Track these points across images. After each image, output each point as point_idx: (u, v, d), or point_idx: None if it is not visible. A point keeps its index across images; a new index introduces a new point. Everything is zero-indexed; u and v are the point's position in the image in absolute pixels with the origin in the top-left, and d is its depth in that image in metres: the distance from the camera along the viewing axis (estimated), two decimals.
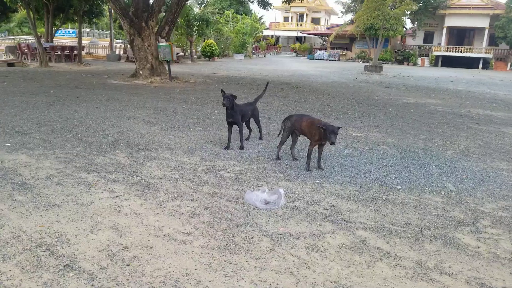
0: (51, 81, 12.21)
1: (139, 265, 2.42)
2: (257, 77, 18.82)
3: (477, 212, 3.58)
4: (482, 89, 17.62)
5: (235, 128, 5.34)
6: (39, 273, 2.28)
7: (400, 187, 4.14)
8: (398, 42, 49.54)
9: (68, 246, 2.59)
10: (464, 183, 4.40)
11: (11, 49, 21.70)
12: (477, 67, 39.79)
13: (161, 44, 13.67)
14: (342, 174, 4.46)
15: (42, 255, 2.46)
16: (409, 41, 49.51)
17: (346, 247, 2.78)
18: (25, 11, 18.59)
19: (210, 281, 2.28)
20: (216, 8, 47.29)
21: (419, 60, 44.08)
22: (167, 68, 14.05)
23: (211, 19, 30.44)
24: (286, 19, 67.97)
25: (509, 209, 3.70)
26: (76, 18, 21.52)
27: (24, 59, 19.88)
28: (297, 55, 56.24)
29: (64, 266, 2.36)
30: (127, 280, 2.25)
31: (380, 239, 2.94)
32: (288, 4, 21.51)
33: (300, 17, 66.31)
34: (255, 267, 2.46)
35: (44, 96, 9.02)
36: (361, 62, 42.76)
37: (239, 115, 5.21)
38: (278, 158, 4.95)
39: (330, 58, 48.37)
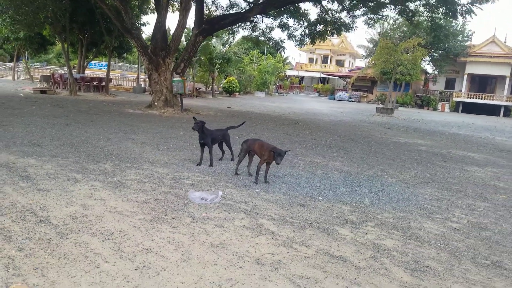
0: (74, 107, 13.86)
1: (90, 224, 3.54)
2: (267, 113, 20.11)
3: (370, 218, 4.54)
4: (483, 135, 18.20)
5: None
6: (23, 223, 3.44)
7: (321, 198, 5.14)
8: (421, 87, 50.42)
9: (47, 212, 3.75)
10: (380, 200, 5.35)
11: (45, 78, 24.01)
12: (499, 115, 39.85)
13: (175, 79, 15.25)
14: (281, 187, 5.50)
15: (27, 215, 3.63)
16: (431, 86, 50.29)
17: (244, 227, 3.83)
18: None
19: (133, 235, 3.38)
20: (242, 48, 49.78)
21: (439, 105, 44.48)
22: (179, 101, 15.56)
23: (233, 58, 32.40)
24: (311, 60, 70.18)
25: (399, 218, 4.64)
26: (107, 52, 23.77)
27: (56, 87, 21.99)
28: (319, 95, 57.82)
29: (40, 221, 3.52)
30: (78, 230, 3.38)
31: (274, 225, 3.97)
32: (300, 47, 23.08)
33: (325, 59, 68.45)
34: (169, 231, 3.54)
35: (63, 119, 10.53)
36: (381, 104, 43.64)
37: (209, 138, 6.39)
38: (236, 173, 6.04)
39: (350, 99, 49.61)
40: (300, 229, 3.92)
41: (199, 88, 30.45)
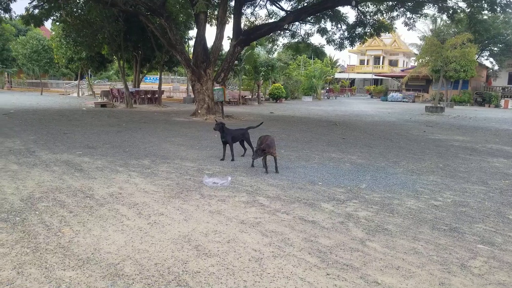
0: (127, 117, 15.55)
1: (122, 199, 4.65)
2: (308, 117, 20.78)
3: (357, 197, 5.25)
4: None
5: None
6: (74, 198, 4.61)
7: (321, 183, 5.91)
8: (483, 83, 48.20)
9: (92, 191, 4.92)
10: (377, 185, 6.00)
11: (105, 93, 26.53)
12: None
13: (215, 88, 16.51)
14: (288, 176, 6.33)
15: (78, 193, 4.82)
16: (493, 82, 47.93)
17: (241, 202, 4.74)
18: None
19: (152, 205, 4.42)
20: (289, 55, 50.66)
21: (502, 102, 42.23)
22: (221, 108, 16.79)
23: (277, 64, 33.37)
24: (362, 61, 69.32)
25: (385, 198, 5.29)
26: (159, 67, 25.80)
27: (115, 101, 24.23)
28: (372, 97, 57.03)
29: (86, 196, 4.68)
30: (113, 202, 4.49)
31: (268, 201, 4.83)
32: (340, 51, 23.59)
33: (377, 59, 67.27)
34: (180, 203, 4.55)
35: (116, 127, 12.07)
36: (439, 103, 42.23)
37: (230, 136, 7.39)
38: (252, 165, 6.95)
39: (404, 100, 48.49)
40: (289, 204, 4.76)
41: (245, 96, 31.70)
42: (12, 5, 17.80)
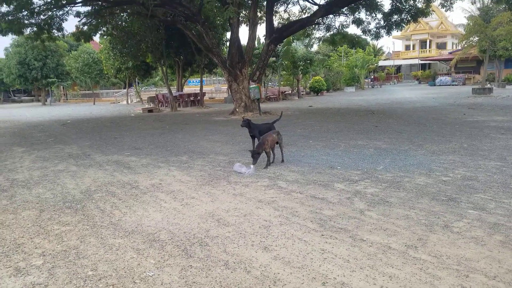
0: (171, 120, 16.72)
1: (161, 187, 5.49)
2: (346, 107, 21.00)
3: (371, 177, 5.75)
4: None
5: None
6: (123, 189, 5.52)
7: (339, 167, 6.45)
8: None
9: (137, 184, 5.82)
10: (394, 166, 6.44)
11: (151, 99, 28.23)
12: None
13: (251, 86, 17.28)
14: (310, 163, 6.92)
15: (126, 185, 5.73)
16: None
17: (262, 186, 5.42)
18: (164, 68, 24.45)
19: (185, 191, 5.22)
20: (329, 46, 50.32)
21: None
22: (258, 105, 17.53)
23: (315, 57, 33.59)
24: (407, 47, 67.50)
25: (397, 176, 5.75)
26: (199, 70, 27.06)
27: (160, 106, 25.73)
28: (420, 83, 55.41)
29: (132, 187, 5.57)
30: (153, 190, 5.35)
31: (286, 184, 5.48)
32: (377, 40, 23.49)
33: (423, 43, 65.23)
34: (209, 189, 5.31)
35: (160, 129, 13.19)
36: (488, 84, 40.41)
37: (257, 130, 8.07)
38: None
39: (453, 83, 46.74)
40: (304, 185, 5.38)
41: (285, 91, 32.25)
42: (64, 24, 19.57)
